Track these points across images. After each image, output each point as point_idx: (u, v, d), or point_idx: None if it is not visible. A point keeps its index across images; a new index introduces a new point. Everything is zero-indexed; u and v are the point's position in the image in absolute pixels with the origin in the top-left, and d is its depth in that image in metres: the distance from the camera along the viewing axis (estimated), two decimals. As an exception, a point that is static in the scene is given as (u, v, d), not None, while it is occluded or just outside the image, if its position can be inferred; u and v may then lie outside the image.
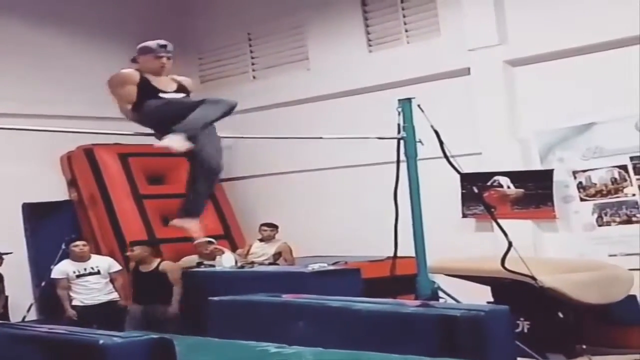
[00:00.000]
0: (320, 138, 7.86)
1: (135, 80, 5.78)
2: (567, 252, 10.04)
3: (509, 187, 10.57)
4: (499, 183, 10.61)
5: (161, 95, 5.79)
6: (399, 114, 7.61)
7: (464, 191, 10.58)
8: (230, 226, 13.10)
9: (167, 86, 5.89)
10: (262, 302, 7.11)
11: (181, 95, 5.91)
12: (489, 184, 10.60)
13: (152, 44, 5.91)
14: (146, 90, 5.79)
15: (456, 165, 7.81)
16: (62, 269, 10.11)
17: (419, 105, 7.61)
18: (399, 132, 7.58)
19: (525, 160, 10.63)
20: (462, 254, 9.93)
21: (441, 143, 7.46)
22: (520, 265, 7.74)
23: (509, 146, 10.69)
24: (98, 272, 10.06)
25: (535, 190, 10.40)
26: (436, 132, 7.48)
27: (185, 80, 6.09)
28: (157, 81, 5.84)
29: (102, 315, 9.73)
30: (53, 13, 12.98)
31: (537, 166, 10.52)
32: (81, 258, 10.09)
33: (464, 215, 10.87)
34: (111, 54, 13.53)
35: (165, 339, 5.24)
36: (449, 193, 10.50)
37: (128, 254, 10.62)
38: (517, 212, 10.45)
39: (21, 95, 12.39)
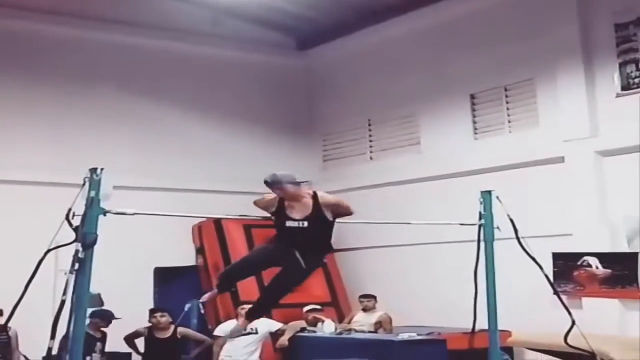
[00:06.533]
0: (409, 223, 8.77)
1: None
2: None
3: (597, 267, 11.08)
4: (588, 263, 11.15)
5: (287, 223, 6.65)
6: (480, 203, 8.47)
7: (555, 269, 11.13)
8: (337, 294, 13.67)
9: (300, 211, 6.68)
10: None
11: (306, 223, 6.62)
12: (579, 263, 11.19)
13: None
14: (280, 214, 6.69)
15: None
16: (225, 328, 10.89)
17: (497, 197, 8.38)
18: (479, 219, 8.43)
19: (613, 243, 11.06)
20: (555, 329, 10.44)
21: (516, 231, 8.05)
22: (595, 342, 8.35)
23: (599, 229, 11.19)
24: (255, 332, 10.64)
25: (621, 271, 10.81)
26: (511, 221, 8.12)
27: (322, 198, 6.77)
28: (290, 207, 6.67)
29: None
30: (188, 97, 14.46)
31: (624, 249, 10.91)
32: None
33: (555, 292, 11.41)
34: (241, 136, 14.83)
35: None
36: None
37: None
38: (604, 291, 10.92)
39: (167, 171, 13.78)
